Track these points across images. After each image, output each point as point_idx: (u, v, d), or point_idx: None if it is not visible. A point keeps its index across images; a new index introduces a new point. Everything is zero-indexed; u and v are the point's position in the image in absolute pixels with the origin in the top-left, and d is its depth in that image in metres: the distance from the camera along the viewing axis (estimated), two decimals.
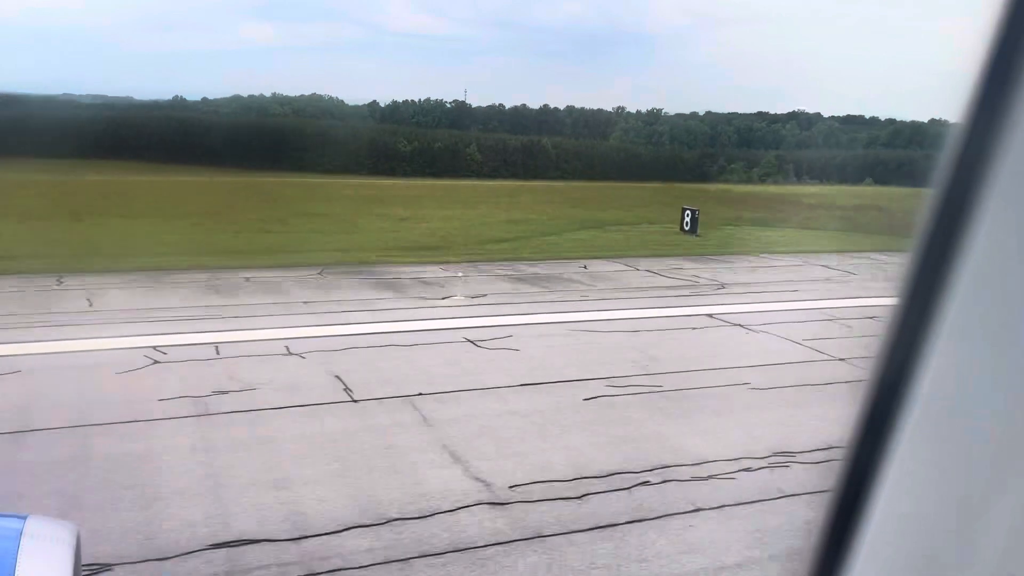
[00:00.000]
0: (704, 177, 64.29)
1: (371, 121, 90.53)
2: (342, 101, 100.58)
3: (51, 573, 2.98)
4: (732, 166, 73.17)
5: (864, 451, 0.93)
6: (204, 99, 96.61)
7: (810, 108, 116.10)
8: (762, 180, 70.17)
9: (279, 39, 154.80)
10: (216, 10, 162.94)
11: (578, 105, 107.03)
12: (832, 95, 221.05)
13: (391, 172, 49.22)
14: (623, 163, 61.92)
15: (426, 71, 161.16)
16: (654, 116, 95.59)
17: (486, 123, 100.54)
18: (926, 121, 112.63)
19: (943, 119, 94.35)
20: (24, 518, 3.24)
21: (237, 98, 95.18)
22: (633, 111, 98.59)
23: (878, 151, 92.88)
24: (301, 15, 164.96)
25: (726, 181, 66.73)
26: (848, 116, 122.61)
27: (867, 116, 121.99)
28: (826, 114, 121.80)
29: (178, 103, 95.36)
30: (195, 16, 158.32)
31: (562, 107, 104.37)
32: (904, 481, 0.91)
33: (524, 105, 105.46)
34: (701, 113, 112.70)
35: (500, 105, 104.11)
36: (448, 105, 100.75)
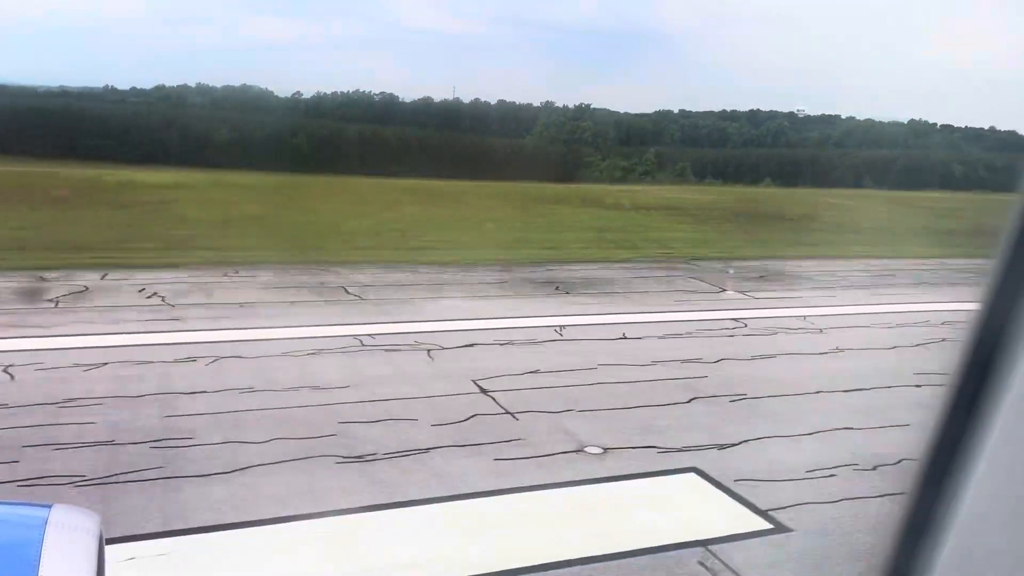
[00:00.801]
0: (568, 176, 62.21)
1: (289, 114, 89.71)
2: (272, 92, 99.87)
3: (75, 562, 2.96)
4: (601, 163, 70.84)
5: (943, 453, 0.93)
6: (133, 88, 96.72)
7: (791, 107, 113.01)
8: (641, 178, 68.03)
9: (292, 36, 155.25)
10: (234, 7, 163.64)
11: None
12: (825, 94, 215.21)
13: (195, 162, 48.20)
14: (475, 157, 59.97)
15: (434, 67, 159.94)
16: (581, 112, 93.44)
17: (415, 117, 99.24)
18: (905, 121, 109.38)
19: (921, 119, 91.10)
20: (49, 507, 3.20)
21: (160, 88, 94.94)
22: (560, 105, 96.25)
23: (796, 151, 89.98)
24: (315, 12, 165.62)
25: (596, 180, 64.77)
26: (822, 116, 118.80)
27: (843, 116, 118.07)
28: (802, 114, 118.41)
29: (108, 92, 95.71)
30: (214, 12, 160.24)
31: (493, 101, 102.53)
32: (983, 483, 0.90)
33: (458, 99, 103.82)
34: (675, 111, 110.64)
35: (428, 98, 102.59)
36: (376, 97, 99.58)
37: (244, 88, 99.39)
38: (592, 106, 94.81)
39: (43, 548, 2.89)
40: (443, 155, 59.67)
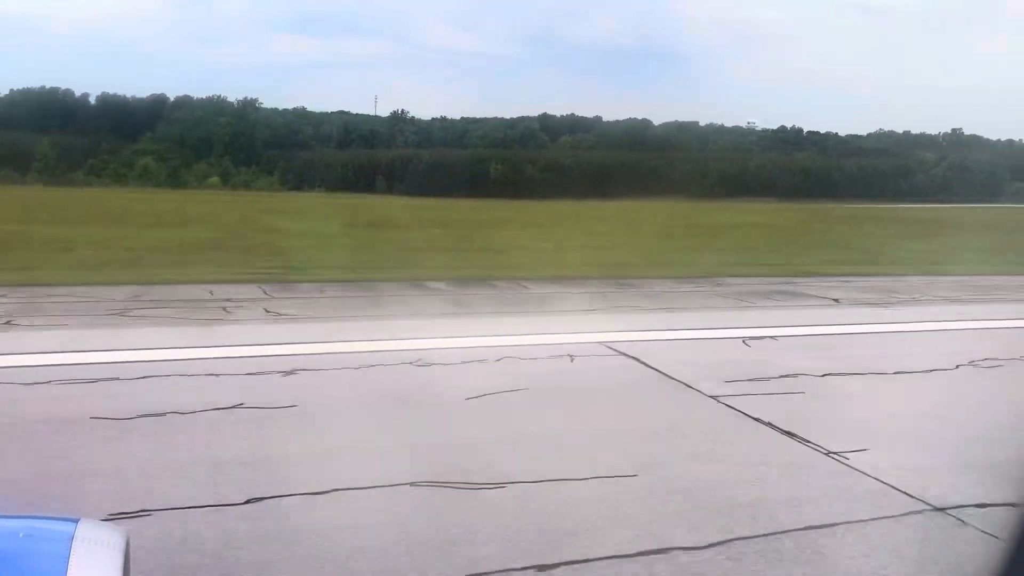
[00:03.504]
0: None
1: None
2: None
3: None
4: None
5: None
6: None
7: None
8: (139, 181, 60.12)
9: (312, 53, 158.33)
10: (256, 23, 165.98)
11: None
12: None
13: None
14: None
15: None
16: (242, 108, 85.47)
17: (98, 115, 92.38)
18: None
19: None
20: (75, 522, 2.97)
21: None
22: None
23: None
24: (336, 31, 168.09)
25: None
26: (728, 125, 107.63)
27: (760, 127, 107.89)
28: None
29: None
30: (238, 30, 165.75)
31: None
32: None
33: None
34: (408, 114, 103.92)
35: (112, 94, 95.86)
36: (59, 93, 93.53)
37: None
38: (259, 102, 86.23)
39: (69, 564, 2.69)
40: None
